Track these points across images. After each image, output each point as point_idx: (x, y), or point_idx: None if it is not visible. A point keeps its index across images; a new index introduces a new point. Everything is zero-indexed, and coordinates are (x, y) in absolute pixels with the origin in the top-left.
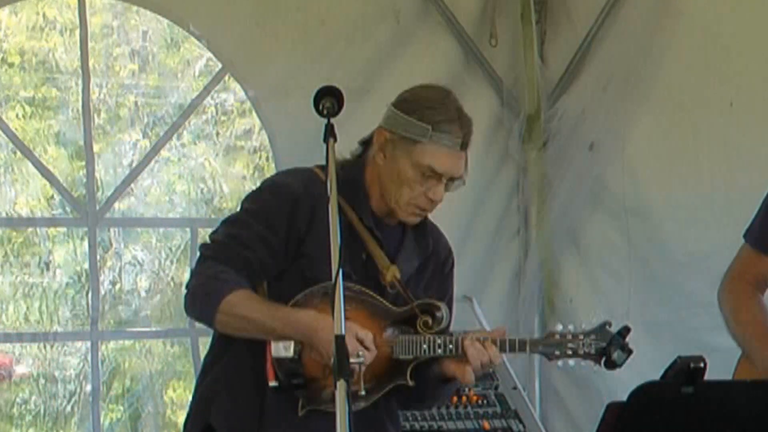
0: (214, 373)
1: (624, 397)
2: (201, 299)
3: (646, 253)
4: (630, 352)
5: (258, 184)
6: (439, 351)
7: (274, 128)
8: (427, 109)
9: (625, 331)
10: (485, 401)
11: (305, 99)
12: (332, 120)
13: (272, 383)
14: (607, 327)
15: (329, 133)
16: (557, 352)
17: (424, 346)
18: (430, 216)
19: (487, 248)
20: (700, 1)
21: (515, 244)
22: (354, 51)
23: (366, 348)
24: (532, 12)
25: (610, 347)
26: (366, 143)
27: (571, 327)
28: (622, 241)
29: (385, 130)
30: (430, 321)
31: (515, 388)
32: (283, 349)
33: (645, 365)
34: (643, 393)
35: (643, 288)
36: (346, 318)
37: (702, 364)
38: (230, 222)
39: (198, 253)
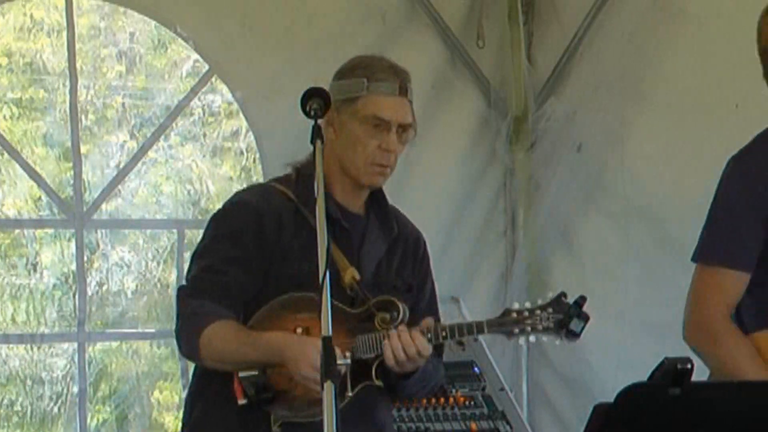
0: (199, 408)
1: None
2: (186, 341)
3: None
4: (587, 318)
5: (245, 185)
6: None
7: (261, 129)
8: (361, 68)
9: (582, 300)
10: (472, 402)
11: (292, 100)
12: (319, 121)
13: (241, 401)
14: (563, 298)
15: (316, 134)
16: (516, 330)
17: (384, 342)
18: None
19: (473, 249)
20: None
21: (502, 245)
22: (340, 52)
23: None
24: (519, 13)
25: (567, 317)
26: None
27: (527, 303)
28: (618, 242)
29: None
30: (387, 317)
31: (502, 389)
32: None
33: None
34: (630, 394)
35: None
36: (304, 330)
37: (689, 366)
38: (198, 255)
39: (176, 298)
